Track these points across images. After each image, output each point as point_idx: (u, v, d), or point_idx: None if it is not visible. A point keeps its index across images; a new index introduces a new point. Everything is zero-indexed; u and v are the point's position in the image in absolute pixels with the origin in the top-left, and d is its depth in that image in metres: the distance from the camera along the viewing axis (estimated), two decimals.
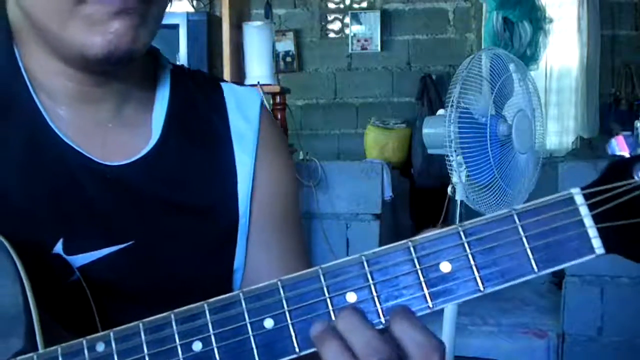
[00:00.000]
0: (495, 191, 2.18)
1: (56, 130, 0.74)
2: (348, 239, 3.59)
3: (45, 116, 0.74)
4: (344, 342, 0.55)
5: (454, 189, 2.19)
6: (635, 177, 0.53)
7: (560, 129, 5.25)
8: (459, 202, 2.20)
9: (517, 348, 3.19)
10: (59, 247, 0.72)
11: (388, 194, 3.61)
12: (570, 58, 5.18)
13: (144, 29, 0.71)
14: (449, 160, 2.14)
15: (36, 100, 0.75)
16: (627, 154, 0.54)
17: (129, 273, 0.74)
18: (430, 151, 2.27)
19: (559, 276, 3.32)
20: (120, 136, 0.78)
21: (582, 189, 0.55)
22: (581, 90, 5.14)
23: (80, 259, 0.72)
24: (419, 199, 4.64)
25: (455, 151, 2.11)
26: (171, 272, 0.77)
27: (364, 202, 3.57)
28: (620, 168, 0.54)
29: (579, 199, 0.55)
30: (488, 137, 2.13)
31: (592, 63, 5.08)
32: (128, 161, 0.76)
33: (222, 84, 0.87)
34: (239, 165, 0.83)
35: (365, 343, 0.54)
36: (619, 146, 0.50)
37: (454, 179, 2.16)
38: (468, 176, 2.14)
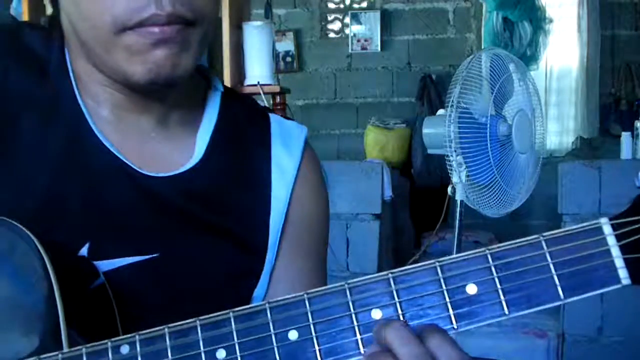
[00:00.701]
0: (495, 191, 2.18)
1: (97, 133, 0.75)
2: (348, 239, 3.59)
3: (88, 118, 0.75)
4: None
5: (454, 189, 2.19)
6: None
7: (560, 129, 5.25)
8: (459, 202, 2.20)
9: (517, 348, 3.18)
10: (84, 251, 0.72)
11: (388, 194, 3.61)
12: (570, 58, 5.17)
13: (186, 55, 0.71)
14: (449, 160, 2.14)
15: (80, 102, 0.75)
16: None
17: (150, 285, 0.74)
18: (430, 151, 2.27)
19: None
20: (161, 148, 0.78)
21: (610, 219, 0.55)
22: (581, 90, 5.14)
23: (103, 265, 0.72)
24: (419, 199, 4.64)
25: (455, 151, 2.11)
26: (191, 290, 0.77)
27: (364, 202, 3.57)
28: None
29: (607, 229, 0.55)
30: (488, 137, 2.13)
31: (592, 63, 5.09)
32: (166, 174, 0.76)
33: (270, 115, 0.87)
34: (274, 198, 0.83)
35: (414, 356, 0.55)
36: None
37: (454, 179, 2.16)
38: (468, 176, 2.14)
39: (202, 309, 0.76)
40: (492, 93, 2.14)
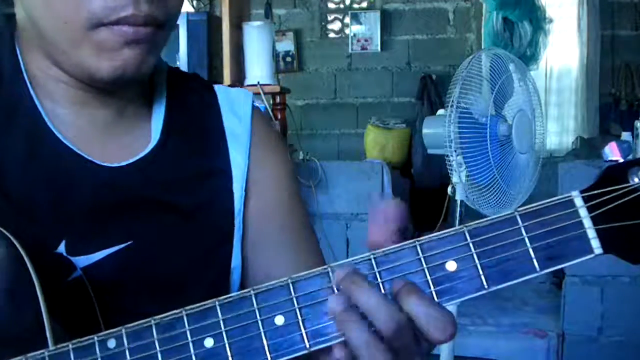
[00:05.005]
0: (495, 191, 2.18)
1: (56, 133, 0.75)
2: (348, 239, 3.59)
3: (46, 118, 0.75)
4: (365, 319, 0.56)
5: (454, 189, 2.19)
6: (630, 181, 0.56)
7: (560, 129, 5.25)
8: (459, 202, 2.20)
9: (517, 348, 3.18)
10: (61, 249, 0.72)
11: (388, 194, 3.60)
12: (570, 58, 5.17)
13: (152, 55, 0.72)
14: (449, 160, 2.14)
15: (37, 102, 0.75)
16: (620, 159, 0.56)
17: (129, 272, 0.75)
18: (430, 151, 2.27)
19: (559, 276, 3.32)
20: (120, 138, 0.79)
21: (581, 192, 0.57)
22: (581, 90, 5.14)
23: (83, 260, 0.73)
24: (419, 199, 4.63)
25: (455, 151, 2.11)
26: (170, 271, 0.78)
27: (364, 202, 3.56)
28: (615, 173, 0.57)
29: (579, 202, 0.57)
30: (488, 137, 2.13)
31: (592, 63, 5.09)
32: (127, 162, 0.77)
33: (215, 86, 0.89)
34: (234, 165, 0.84)
35: (385, 313, 0.55)
36: (612, 152, 0.53)
37: (454, 179, 2.16)
38: (468, 176, 2.14)
39: (182, 288, 0.78)
40: (492, 93, 2.14)
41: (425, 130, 2.26)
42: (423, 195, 4.60)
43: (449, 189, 2.22)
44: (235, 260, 0.83)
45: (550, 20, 4.17)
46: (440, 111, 2.29)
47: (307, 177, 3.48)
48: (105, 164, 0.76)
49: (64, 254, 0.72)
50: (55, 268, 0.70)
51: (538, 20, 4.03)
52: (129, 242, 0.75)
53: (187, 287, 0.79)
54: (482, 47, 4.48)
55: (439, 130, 2.14)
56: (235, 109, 0.87)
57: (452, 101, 2.11)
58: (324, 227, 3.53)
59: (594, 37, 5.07)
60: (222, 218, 0.82)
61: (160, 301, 0.68)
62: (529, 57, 3.95)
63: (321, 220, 3.54)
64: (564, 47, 5.14)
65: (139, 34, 0.69)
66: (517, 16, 3.95)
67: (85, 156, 0.75)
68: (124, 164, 0.77)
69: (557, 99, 5.25)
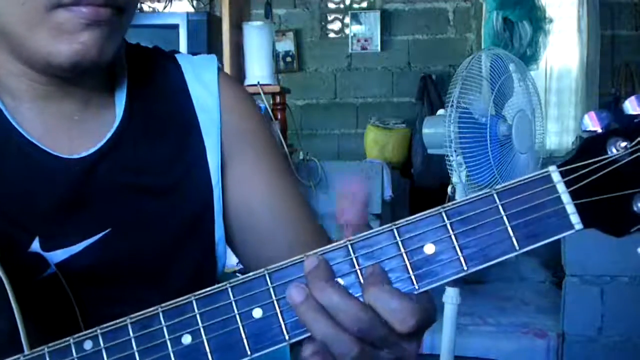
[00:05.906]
0: None
1: (21, 131, 0.73)
2: None
3: (9, 117, 0.73)
4: (325, 311, 0.55)
5: (454, 189, 2.19)
6: (609, 152, 0.54)
7: (560, 129, 5.25)
8: None
9: (517, 348, 3.18)
10: (35, 245, 0.71)
11: (388, 194, 3.61)
12: (570, 58, 5.17)
13: (113, 41, 0.70)
14: (449, 160, 2.14)
15: None
16: (599, 129, 0.54)
17: (109, 260, 0.74)
18: (430, 151, 2.27)
19: (559, 276, 3.32)
20: (86, 128, 0.77)
21: (559, 166, 0.55)
22: (581, 90, 5.13)
23: (59, 255, 0.72)
24: (419, 199, 4.63)
25: (455, 151, 2.11)
26: (153, 252, 0.77)
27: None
28: (594, 144, 0.55)
29: (556, 177, 0.55)
30: (488, 137, 2.13)
31: (592, 63, 5.08)
32: (94, 149, 0.76)
33: (178, 56, 0.86)
34: (206, 135, 0.82)
35: (345, 312, 0.54)
36: (592, 122, 0.50)
37: (454, 179, 2.16)
38: (468, 176, 2.14)
39: (168, 269, 0.77)
40: (492, 93, 2.14)
41: (425, 130, 2.26)
42: (423, 195, 4.60)
43: (449, 189, 2.22)
44: (219, 233, 0.82)
45: (550, 20, 4.16)
46: (440, 111, 2.29)
47: (307, 177, 3.48)
48: (72, 157, 0.74)
49: (39, 250, 0.71)
50: (26, 267, 0.68)
51: (538, 20, 4.02)
52: (107, 230, 0.74)
53: (172, 267, 0.78)
54: (482, 47, 4.48)
55: (439, 130, 2.14)
56: (201, 77, 0.85)
57: (452, 101, 2.11)
58: (323, 227, 3.52)
59: (594, 37, 5.06)
60: (200, 192, 0.81)
61: (146, 285, 0.67)
62: (529, 57, 3.95)
63: (321, 220, 3.54)
64: (564, 47, 5.13)
65: (99, 14, 0.67)
66: (517, 16, 3.94)
67: (52, 152, 0.74)
68: (90, 152, 0.75)
69: (557, 99, 5.25)
